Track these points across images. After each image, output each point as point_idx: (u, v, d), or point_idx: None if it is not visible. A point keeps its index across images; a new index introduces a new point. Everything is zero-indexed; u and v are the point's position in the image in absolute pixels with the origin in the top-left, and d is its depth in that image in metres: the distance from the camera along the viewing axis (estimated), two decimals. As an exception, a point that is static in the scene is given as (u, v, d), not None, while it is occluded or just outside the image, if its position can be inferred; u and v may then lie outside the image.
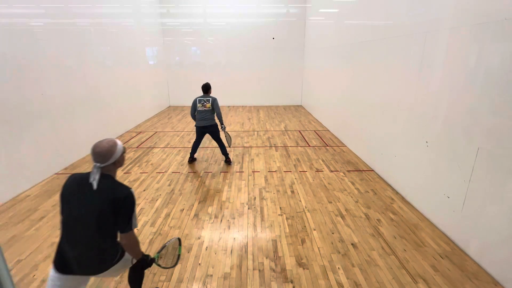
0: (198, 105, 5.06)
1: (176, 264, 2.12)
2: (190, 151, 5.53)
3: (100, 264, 1.79)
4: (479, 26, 2.72)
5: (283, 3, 10.69)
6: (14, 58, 4.16)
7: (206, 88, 5.16)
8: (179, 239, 2.24)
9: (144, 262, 1.96)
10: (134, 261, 1.96)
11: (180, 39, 11.16)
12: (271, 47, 11.16)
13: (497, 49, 2.56)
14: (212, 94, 5.32)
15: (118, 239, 1.85)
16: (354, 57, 5.96)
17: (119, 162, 1.82)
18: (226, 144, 5.83)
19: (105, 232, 1.75)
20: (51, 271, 1.76)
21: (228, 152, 5.45)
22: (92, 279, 2.12)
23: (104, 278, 1.95)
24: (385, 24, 4.64)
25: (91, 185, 1.67)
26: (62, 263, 1.73)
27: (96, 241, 1.74)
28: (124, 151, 1.85)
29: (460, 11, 3.00)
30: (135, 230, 2.03)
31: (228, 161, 5.37)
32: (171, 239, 2.24)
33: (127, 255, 1.92)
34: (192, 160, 5.48)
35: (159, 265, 2.04)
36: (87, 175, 1.72)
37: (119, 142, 1.82)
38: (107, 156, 1.72)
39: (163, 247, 2.13)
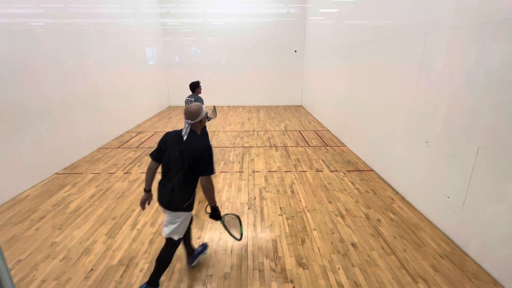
0: (186, 106, 4.80)
1: (239, 239, 2.43)
2: None
3: (175, 201, 2.26)
4: (479, 26, 2.72)
5: (283, 3, 10.69)
6: (14, 58, 4.16)
7: (193, 86, 4.68)
8: (239, 219, 2.47)
9: (215, 211, 2.38)
10: (208, 209, 2.39)
11: (180, 39, 11.16)
12: (271, 47, 11.17)
13: (497, 49, 2.56)
14: (202, 94, 4.76)
15: (194, 190, 2.36)
16: (354, 57, 5.96)
17: (203, 121, 2.35)
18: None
19: (187, 174, 2.24)
20: None
21: None
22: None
23: (171, 225, 2.34)
24: (385, 24, 4.64)
25: (182, 137, 2.24)
26: (158, 197, 2.34)
27: (179, 180, 2.24)
28: (206, 114, 2.38)
29: (460, 11, 3.00)
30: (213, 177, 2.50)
31: None
32: (233, 215, 2.50)
33: (190, 213, 2.39)
34: None
35: (224, 225, 2.43)
36: (180, 131, 2.29)
37: (203, 107, 2.37)
38: (195, 115, 2.26)
39: (228, 214, 2.51)
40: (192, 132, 2.28)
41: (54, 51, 4.99)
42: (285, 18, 10.85)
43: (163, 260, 2.40)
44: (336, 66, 7.19)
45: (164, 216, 2.40)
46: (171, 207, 2.28)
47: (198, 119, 2.28)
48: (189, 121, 2.26)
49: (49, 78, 4.85)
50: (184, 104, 4.86)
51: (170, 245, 2.39)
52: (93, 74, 6.22)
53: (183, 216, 2.32)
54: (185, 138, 2.24)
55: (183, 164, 2.21)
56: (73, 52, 5.54)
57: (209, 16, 10.85)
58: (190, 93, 4.80)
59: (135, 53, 8.61)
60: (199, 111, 2.27)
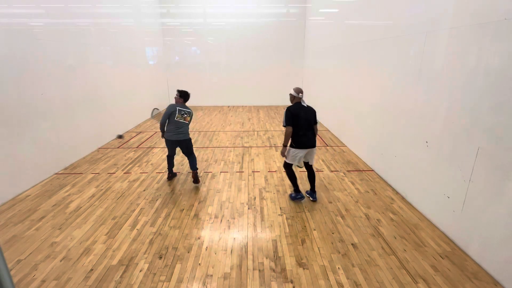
0: (177, 115, 4.24)
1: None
2: (167, 166, 4.65)
3: (314, 142, 3.75)
4: (479, 26, 2.72)
5: (283, 3, 10.70)
6: (14, 58, 4.16)
7: (188, 96, 4.46)
8: None
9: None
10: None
11: (180, 39, 11.16)
12: (271, 47, 11.17)
13: (497, 49, 2.56)
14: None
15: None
16: (354, 57, 5.96)
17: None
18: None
19: (312, 126, 3.76)
20: (292, 150, 3.73)
21: (197, 168, 4.62)
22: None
23: (312, 154, 3.86)
24: (385, 24, 4.64)
25: (305, 107, 3.69)
26: (301, 144, 3.68)
27: (312, 130, 3.74)
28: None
29: (460, 11, 3.01)
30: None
31: (195, 180, 4.43)
32: None
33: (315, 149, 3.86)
34: (172, 176, 4.69)
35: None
36: (301, 104, 3.70)
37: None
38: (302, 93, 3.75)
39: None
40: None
41: (54, 51, 4.99)
42: (285, 18, 10.85)
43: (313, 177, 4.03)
44: (336, 66, 7.19)
45: (300, 154, 3.75)
46: (312, 145, 3.74)
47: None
48: (301, 95, 3.70)
49: (49, 78, 4.85)
50: (173, 112, 4.28)
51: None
52: (93, 74, 6.21)
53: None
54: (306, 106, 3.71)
55: (310, 122, 3.73)
56: (73, 52, 5.54)
57: (209, 16, 10.85)
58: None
59: (135, 53, 8.60)
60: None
